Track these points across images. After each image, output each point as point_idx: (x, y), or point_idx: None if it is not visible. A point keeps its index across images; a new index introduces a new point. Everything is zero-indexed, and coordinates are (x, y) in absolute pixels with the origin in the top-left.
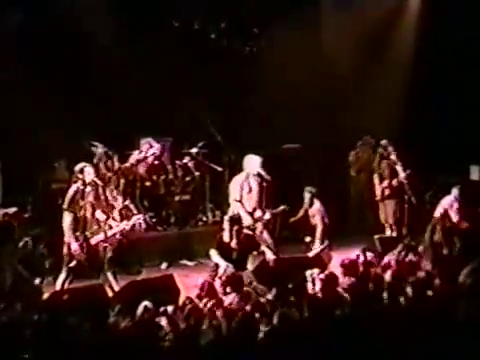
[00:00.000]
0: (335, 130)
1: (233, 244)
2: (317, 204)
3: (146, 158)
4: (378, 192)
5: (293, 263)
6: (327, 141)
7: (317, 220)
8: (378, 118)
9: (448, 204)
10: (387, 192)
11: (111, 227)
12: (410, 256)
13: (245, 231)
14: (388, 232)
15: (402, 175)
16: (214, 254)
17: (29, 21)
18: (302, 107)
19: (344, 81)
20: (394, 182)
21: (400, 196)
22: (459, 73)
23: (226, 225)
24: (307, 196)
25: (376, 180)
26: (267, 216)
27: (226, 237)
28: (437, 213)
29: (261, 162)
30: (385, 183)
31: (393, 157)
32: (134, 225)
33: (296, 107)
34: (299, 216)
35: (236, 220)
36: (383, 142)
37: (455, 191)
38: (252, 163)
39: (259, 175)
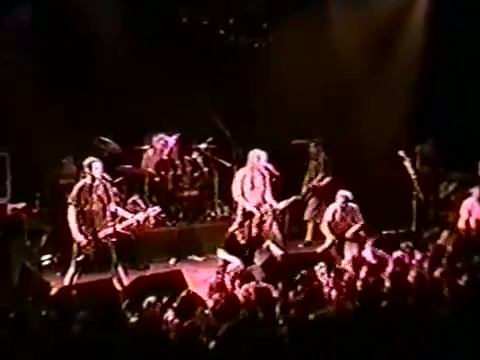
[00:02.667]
0: (344, 126)
1: (243, 240)
2: (352, 205)
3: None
4: (304, 190)
5: (301, 259)
6: (336, 137)
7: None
8: (388, 113)
9: (470, 205)
10: (311, 192)
11: (123, 219)
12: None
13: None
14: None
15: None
16: (222, 253)
17: (38, 16)
18: (310, 103)
19: (353, 76)
20: (320, 183)
21: (322, 196)
22: (470, 69)
23: (238, 219)
24: (341, 200)
25: (306, 178)
26: (281, 205)
27: (237, 232)
28: (463, 214)
29: (266, 156)
30: (314, 182)
31: (321, 159)
32: (148, 217)
33: (304, 103)
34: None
35: (248, 214)
36: (315, 141)
37: (476, 192)
38: (256, 156)
39: (266, 169)
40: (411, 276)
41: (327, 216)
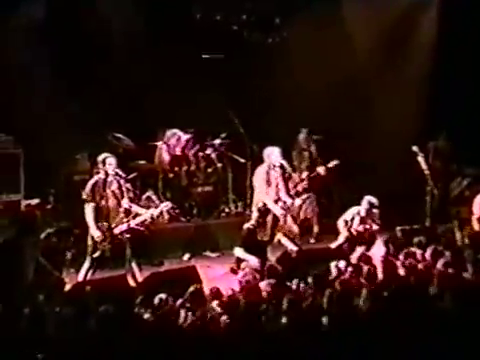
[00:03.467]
0: (357, 121)
1: (260, 237)
2: (375, 211)
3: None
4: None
5: (315, 254)
6: (351, 132)
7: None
8: (401, 109)
9: None
10: (302, 185)
11: (137, 215)
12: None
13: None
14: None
15: (321, 168)
16: (240, 252)
17: (52, 13)
18: (323, 98)
19: (366, 72)
20: (312, 175)
21: (317, 189)
22: None
23: (255, 216)
24: (365, 205)
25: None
26: (297, 202)
27: (253, 229)
28: (476, 210)
29: (280, 152)
30: (303, 175)
31: (313, 149)
32: (161, 213)
33: (317, 98)
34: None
35: (265, 211)
36: (304, 131)
37: None
38: (272, 153)
39: (281, 166)
40: (421, 271)
41: (347, 216)
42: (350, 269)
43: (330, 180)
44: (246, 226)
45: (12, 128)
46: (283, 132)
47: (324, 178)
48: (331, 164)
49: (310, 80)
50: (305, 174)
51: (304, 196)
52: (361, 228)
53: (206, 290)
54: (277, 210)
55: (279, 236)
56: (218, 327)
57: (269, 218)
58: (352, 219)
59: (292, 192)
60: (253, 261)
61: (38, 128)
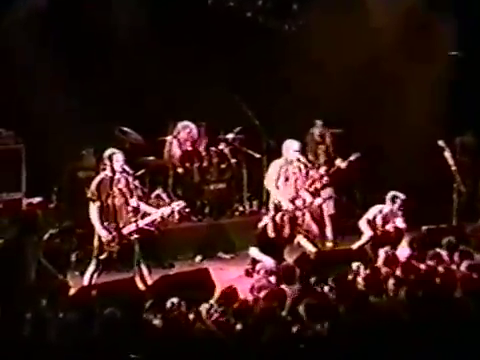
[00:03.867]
0: (381, 113)
1: (276, 235)
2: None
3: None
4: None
5: (336, 256)
6: (374, 125)
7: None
8: (427, 104)
9: None
10: (321, 182)
11: (146, 215)
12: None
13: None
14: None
15: (340, 161)
16: (255, 252)
17: (58, 3)
18: (345, 90)
19: (389, 63)
20: (332, 170)
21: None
22: None
23: (269, 214)
24: (390, 201)
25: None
26: (318, 201)
27: (269, 227)
28: None
29: (300, 147)
30: (321, 171)
31: (329, 141)
32: (172, 212)
33: (339, 90)
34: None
35: (280, 209)
36: (319, 123)
37: None
38: (290, 147)
39: (299, 161)
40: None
41: (369, 214)
42: (368, 272)
43: (352, 175)
44: (261, 224)
45: (13, 122)
46: (300, 125)
47: (345, 173)
48: (352, 157)
49: (330, 70)
50: (323, 169)
51: (325, 195)
52: (387, 227)
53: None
54: (290, 208)
55: (299, 238)
56: (231, 334)
57: (286, 217)
58: (375, 218)
59: (311, 189)
60: (268, 262)
61: (40, 122)
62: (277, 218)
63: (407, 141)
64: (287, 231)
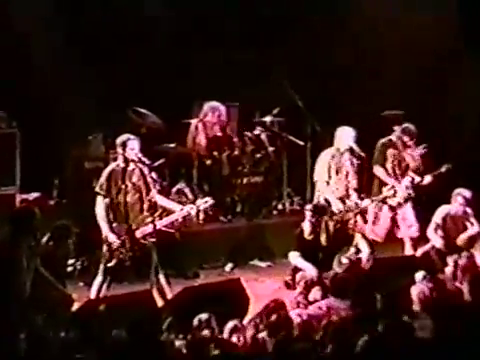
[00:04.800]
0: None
1: (319, 240)
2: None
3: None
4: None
5: (395, 264)
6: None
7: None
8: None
9: None
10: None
11: (165, 214)
12: None
13: (334, 222)
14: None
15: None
16: (295, 257)
17: None
18: (402, 67)
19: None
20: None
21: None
22: None
23: (308, 216)
24: (458, 200)
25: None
26: (366, 203)
27: (308, 231)
28: None
29: (355, 135)
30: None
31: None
32: (197, 211)
33: (395, 67)
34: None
35: (321, 209)
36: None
37: None
38: (344, 136)
39: (352, 151)
40: None
41: (436, 218)
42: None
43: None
44: (300, 228)
45: (6, 102)
46: (352, 106)
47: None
48: (443, 168)
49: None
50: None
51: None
52: (454, 230)
53: (254, 310)
54: (339, 207)
55: (357, 238)
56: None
57: (334, 218)
58: (444, 221)
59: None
60: (310, 270)
61: (39, 102)
62: (321, 219)
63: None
64: (334, 235)
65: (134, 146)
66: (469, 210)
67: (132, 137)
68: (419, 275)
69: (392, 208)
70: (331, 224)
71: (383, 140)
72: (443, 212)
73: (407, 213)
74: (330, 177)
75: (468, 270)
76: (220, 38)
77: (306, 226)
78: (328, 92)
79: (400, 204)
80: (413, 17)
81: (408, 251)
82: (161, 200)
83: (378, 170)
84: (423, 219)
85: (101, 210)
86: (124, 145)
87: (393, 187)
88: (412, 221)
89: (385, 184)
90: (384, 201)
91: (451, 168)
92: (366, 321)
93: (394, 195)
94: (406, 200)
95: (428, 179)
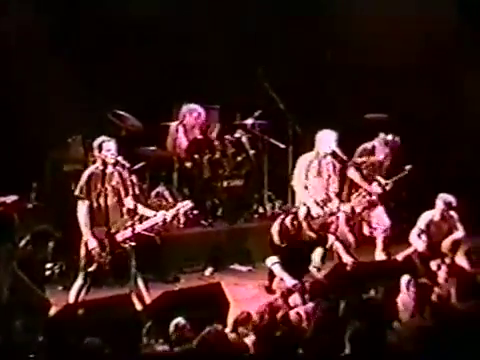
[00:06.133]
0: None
1: (296, 244)
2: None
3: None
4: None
5: (377, 268)
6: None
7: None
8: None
9: None
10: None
11: (145, 218)
12: None
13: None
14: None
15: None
16: (273, 262)
17: None
18: (386, 69)
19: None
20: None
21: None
22: None
23: (288, 218)
24: (441, 205)
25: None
26: (346, 207)
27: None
28: None
29: (337, 138)
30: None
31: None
32: (177, 215)
33: (379, 69)
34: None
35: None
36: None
37: None
38: (326, 139)
39: (334, 155)
40: None
41: (420, 224)
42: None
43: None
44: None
45: None
46: (337, 109)
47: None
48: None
49: (376, 50)
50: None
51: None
52: (438, 235)
53: (232, 315)
54: (318, 212)
55: (336, 245)
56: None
57: (315, 221)
58: (428, 227)
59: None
60: (288, 281)
61: (17, 104)
62: (287, 222)
63: (462, 137)
64: (312, 239)
65: (110, 147)
66: (455, 214)
67: (107, 139)
68: (404, 279)
69: (365, 210)
70: (307, 228)
71: (366, 145)
72: (427, 218)
73: (379, 214)
74: (308, 181)
75: (453, 274)
76: (202, 39)
77: (274, 230)
78: (311, 94)
79: (373, 206)
80: (397, 15)
81: (379, 252)
82: (134, 206)
83: (354, 174)
84: (397, 219)
85: (82, 214)
86: (100, 147)
87: (366, 190)
88: (385, 222)
89: (359, 187)
90: (358, 204)
91: (413, 168)
92: (346, 325)
93: (369, 196)
94: (376, 203)
95: (392, 181)
